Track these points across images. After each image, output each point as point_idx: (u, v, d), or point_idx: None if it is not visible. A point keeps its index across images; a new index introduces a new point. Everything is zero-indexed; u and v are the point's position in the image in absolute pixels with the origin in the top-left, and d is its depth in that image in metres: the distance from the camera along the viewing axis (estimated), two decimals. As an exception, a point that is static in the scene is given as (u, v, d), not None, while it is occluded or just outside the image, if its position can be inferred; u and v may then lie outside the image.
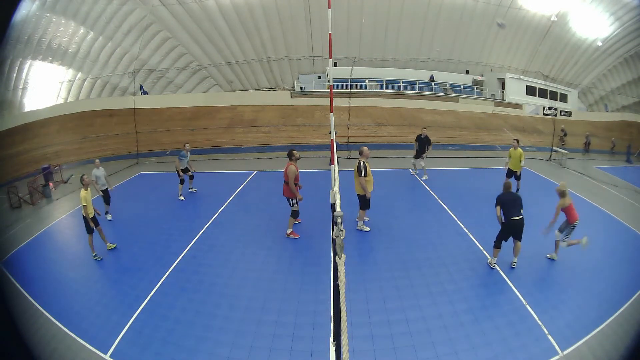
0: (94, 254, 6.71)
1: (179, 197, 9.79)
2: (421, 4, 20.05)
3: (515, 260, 6.10)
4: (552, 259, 6.35)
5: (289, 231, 7.23)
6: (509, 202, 6.08)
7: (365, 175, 6.88)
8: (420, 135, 10.96)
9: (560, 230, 6.23)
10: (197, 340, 4.50)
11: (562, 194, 6.11)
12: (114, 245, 7.06)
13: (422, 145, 10.88)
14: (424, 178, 11.11)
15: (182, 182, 9.87)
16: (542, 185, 11.20)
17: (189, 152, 10.03)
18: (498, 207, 6.12)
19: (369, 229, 7.43)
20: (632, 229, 7.95)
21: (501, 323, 4.73)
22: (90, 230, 6.69)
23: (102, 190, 8.54)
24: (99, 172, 8.47)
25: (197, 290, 5.56)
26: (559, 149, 15.31)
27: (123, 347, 4.44)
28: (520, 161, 9.22)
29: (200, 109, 19.80)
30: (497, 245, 6.10)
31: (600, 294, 5.39)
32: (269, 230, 7.62)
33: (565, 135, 17.97)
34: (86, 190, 6.69)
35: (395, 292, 5.36)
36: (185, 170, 9.94)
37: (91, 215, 6.64)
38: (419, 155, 11.04)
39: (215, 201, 9.30)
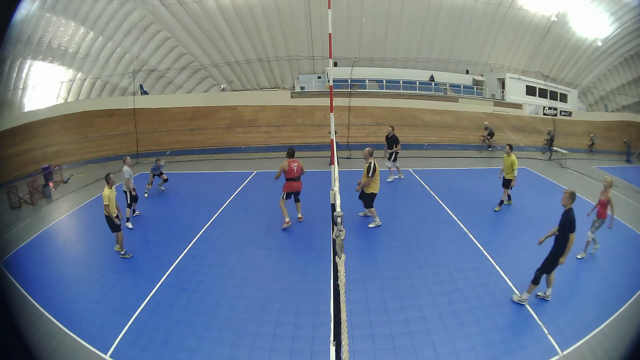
0: (122, 252, 6.67)
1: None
2: (421, 4, 20.03)
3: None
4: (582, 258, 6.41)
5: (300, 215, 8.02)
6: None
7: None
8: (387, 134, 10.65)
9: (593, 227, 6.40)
10: (197, 340, 4.50)
11: (611, 185, 6.21)
12: (130, 255, 6.71)
13: (390, 144, 10.59)
14: (397, 177, 11.04)
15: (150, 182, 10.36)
16: (543, 186, 11.21)
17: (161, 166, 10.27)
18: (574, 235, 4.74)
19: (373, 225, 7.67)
20: (632, 229, 7.96)
21: (501, 323, 4.73)
22: (116, 228, 6.58)
23: (132, 193, 8.19)
24: (131, 170, 8.24)
25: (197, 290, 5.57)
26: (559, 149, 15.31)
27: (123, 347, 4.44)
28: (513, 170, 8.34)
29: (200, 109, 19.79)
30: (537, 280, 5.01)
31: (600, 294, 5.39)
32: (269, 230, 7.63)
33: (490, 135, 16.07)
34: (110, 188, 6.50)
35: (395, 292, 5.37)
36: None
37: (114, 215, 6.51)
38: (390, 155, 10.66)
39: (215, 201, 9.31)
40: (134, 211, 8.52)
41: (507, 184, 8.65)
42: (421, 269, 6.03)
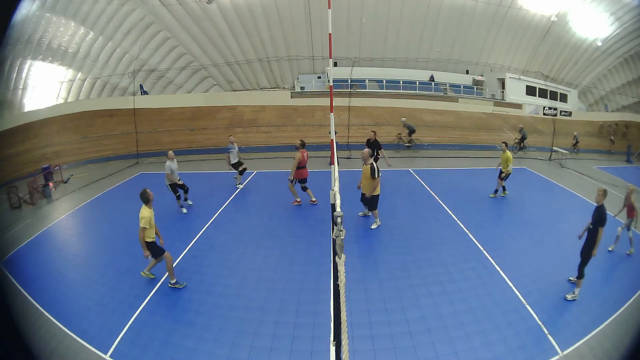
0: (152, 277, 5.76)
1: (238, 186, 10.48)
2: (421, 4, 20.03)
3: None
4: (630, 254, 6.78)
5: (314, 198, 8.88)
6: None
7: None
8: (369, 139, 9.79)
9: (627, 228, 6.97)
10: (197, 340, 4.50)
11: (632, 192, 6.91)
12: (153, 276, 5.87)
13: (372, 149, 9.53)
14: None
15: (240, 172, 10.46)
16: (543, 186, 11.20)
17: (234, 144, 10.41)
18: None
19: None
20: (632, 229, 7.95)
21: (501, 323, 4.73)
22: (156, 254, 5.51)
23: (178, 185, 8.62)
24: (174, 164, 8.49)
25: (197, 290, 5.56)
26: (559, 149, 15.31)
27: (123, 347, 4.44)
28: (508, 164, 9.07)
29: (200, 109, 19.80)
30: (582, 275, 5.28)
31: (600, 294, 5.39)
32: (268, 230, 7.63)
33: (410, 132, 15.12)
34: (150, 208, 5.35)
35: (395, 292, 5.37)
36: (238, 164, 10.38)
37: (151, 239, 5.36)
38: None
39: (215, 201, 9.30)
40: (185, 199, 8.97)
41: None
42: (421, 269, 6.03)
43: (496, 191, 9.51)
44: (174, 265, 5.81)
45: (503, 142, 9.56)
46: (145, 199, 5.35)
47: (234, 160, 10.36)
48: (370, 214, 7.79)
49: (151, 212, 5.35)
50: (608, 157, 17.57)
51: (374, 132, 10.27)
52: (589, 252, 5.20)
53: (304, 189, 8.79)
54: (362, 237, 7.23)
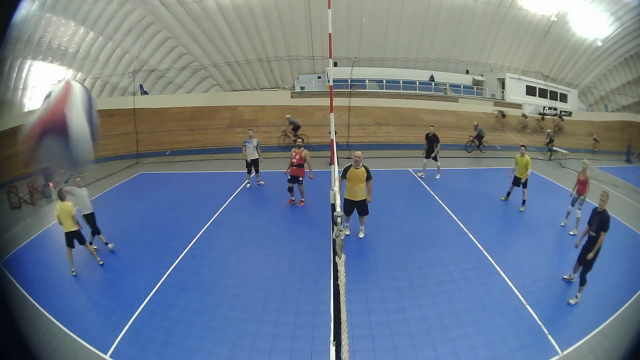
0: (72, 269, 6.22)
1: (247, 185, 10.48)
2: (421, 4, 20.02)
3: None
4: (573, 235, 7.11)
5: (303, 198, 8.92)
6: None
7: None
8: (428, 134, 10.85)
9: (572, 204, 7.49)
10: (197, 340, 4.50)
11: (588, 165, 7.36)
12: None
13: (431, 144, 10.82)
14: (437, 177, 11.20)
15: (249, 171, 10.28)
16: (542, 185, 11.20)
17: (253, 139, 10.04)
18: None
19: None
20: (632, 229, 7.96)
21: (501, 323, 4.73)
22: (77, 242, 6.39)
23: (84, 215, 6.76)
24: (77, 192, 6.63)
25: (197, 290, 5.57)
26: (559, 149, 15.30)
27: (123, 347, 4.44)
28: (527, 169, 8.64)
29: (200, 109, 19.80)
30: (584, 281, 5.26)
31: (600, 294, 5.39)
32: (268, 230, 7.63)
33: (295, 128, 14.59)
34: (62, 202, 6.24)
35: (395, 292, 5.37)
36: (254, 162, 10.12)
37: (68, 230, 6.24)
38: (428, 155, 10.96)
39: (216, 201, 9.30)
40: (105, 243, 6.96)
41: (517, 182, 8.88)
42: (421, 269, 6.03)
43: (523, 202, 8.88)
44: (173, 265, 6.04)
45: (522, 145, 9.00)
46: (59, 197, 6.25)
47: (250, 157, 9.95)
48: (362, 227, 7.23)
49: (62, 207, 6.17)
50: (592, 156, 17.45)
51: (433, 126, 10.99)
52: (590, 258, 5.14)
53: (290, 189, 8.68)
54: (362, 237, 7.23)
